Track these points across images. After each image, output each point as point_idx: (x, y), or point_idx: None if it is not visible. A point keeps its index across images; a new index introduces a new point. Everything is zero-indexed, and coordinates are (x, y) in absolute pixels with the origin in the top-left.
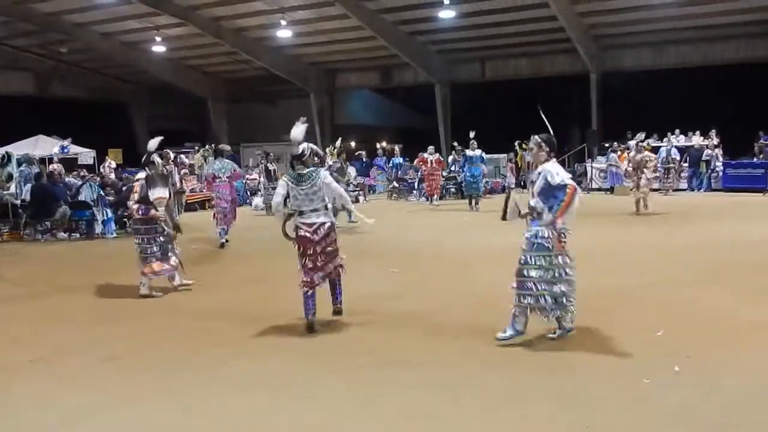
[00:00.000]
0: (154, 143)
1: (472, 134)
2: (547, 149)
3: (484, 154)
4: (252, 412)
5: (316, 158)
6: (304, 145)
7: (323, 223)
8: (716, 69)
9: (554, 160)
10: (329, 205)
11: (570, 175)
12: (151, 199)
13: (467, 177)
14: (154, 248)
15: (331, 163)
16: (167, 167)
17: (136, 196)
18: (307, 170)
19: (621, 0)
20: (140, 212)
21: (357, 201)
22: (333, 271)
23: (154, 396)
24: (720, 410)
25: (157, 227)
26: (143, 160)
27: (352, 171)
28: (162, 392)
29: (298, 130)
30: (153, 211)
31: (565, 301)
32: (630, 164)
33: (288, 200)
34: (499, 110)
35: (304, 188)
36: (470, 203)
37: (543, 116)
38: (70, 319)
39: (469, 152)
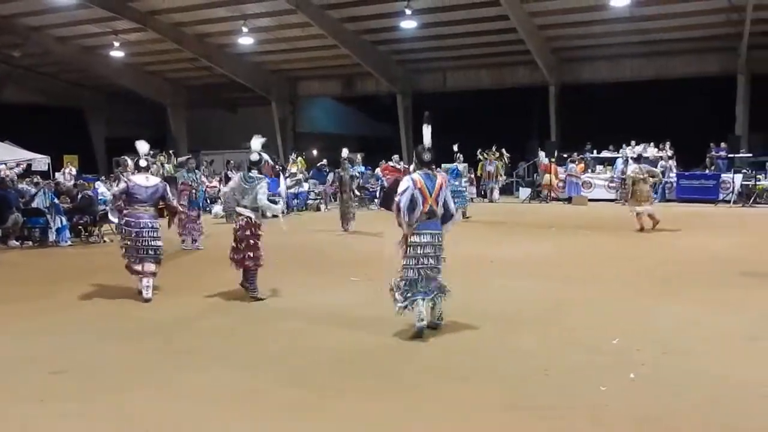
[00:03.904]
0: (145, 146)
1: (456, 147)
2: (416, 160)
3: (460, 167)
4: (204, 427)
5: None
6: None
7: (246, 217)
8: (670, 82)
9: (414, 170)
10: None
11: (403, 189)
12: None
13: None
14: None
15: (295, 171)
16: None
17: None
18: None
19: (578, 14)
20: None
21: (318, 209)
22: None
23: (104, 410)
24: (674, 417)
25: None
26: (136, 164)
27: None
28: (112, 406)
29: (257, 142)
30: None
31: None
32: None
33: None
34: (461, 120)
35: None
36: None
37: (425, 127)
38: (18, 329)
39: (451, 165)
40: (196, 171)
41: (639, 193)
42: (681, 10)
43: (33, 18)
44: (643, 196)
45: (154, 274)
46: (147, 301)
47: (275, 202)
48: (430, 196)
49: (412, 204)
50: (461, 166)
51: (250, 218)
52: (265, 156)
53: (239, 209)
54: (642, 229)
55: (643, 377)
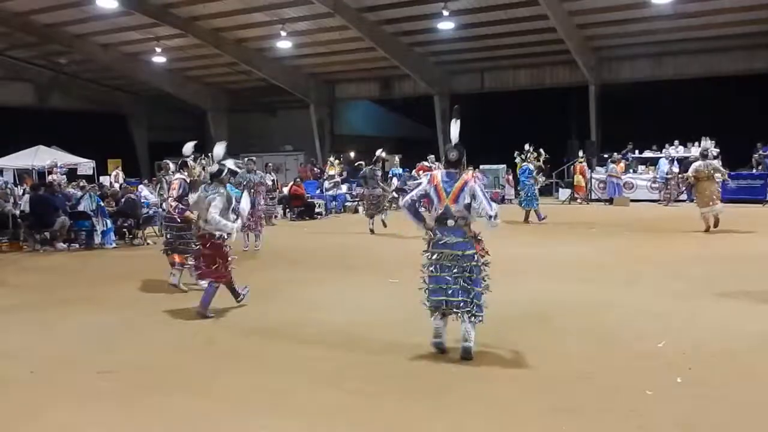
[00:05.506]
0: (188, 148)
1: (527, 146)
2: (443, 159)
3: (531, 166)
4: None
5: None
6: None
7: (205, 233)
8: (715, 80)
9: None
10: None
11: (415, 185)
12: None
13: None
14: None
15: (333, 173)
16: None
17: (174, 193)
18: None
19: (619, 12)
20: (177, 211)
21: (356, 211)
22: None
23: (150, 410)
24: (723, 421)
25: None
26: (179, 163)
27: (395, 180)
28: (157, 406)
29: (220, 148)
30: (187, 213)
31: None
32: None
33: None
34: (499, 121)
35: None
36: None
37: (453, 122)
38: (67, 329)
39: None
40: (257, 171)
41: (704, 192)
42: (727, 6)
43: (78, 26)
44: (711, 195)
45: (173, 264)
46: (172, 285)
47: (315, 205)
48: (447, 196)
49: (420, 201)
50: (532, 165)
51: (207, 232)
52: (229, 165)
53: (200, 223)
54: (708, 230)
55: (690, 381)
